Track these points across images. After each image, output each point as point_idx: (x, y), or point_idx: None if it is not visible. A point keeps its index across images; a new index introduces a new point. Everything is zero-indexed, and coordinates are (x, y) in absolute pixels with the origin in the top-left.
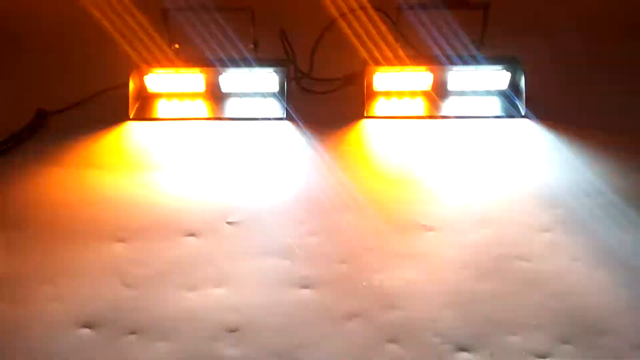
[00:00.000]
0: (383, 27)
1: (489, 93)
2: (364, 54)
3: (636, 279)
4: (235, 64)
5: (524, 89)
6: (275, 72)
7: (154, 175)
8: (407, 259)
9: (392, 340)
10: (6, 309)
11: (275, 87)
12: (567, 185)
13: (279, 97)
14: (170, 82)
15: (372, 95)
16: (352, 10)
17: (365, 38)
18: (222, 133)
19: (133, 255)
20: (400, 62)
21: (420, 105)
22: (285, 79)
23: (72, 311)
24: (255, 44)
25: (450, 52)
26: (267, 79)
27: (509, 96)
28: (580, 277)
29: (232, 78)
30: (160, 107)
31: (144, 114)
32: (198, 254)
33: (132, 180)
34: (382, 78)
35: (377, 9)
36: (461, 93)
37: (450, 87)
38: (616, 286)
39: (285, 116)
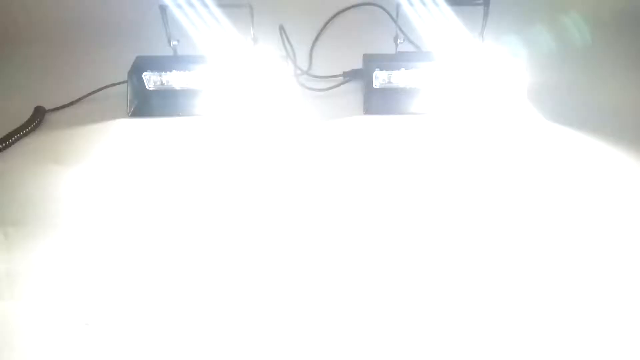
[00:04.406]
0: (383, 23)
1: (490, 90)
2: (363, 50)
3: None
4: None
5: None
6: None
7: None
8: None
9: None
10: (3, 305)
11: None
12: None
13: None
14: (169, 79)
15: (372, 91)
16: (351, 6)
17: (364, 34)
18: (223, 129)
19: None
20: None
21: (421, 102)
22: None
23: (71, 308)
24: (254, 41)
25: (450, 48)
26: (266, 75)
27: (510, 93)
28: None
29: (231, 75)
30: (159, 104)
31: (142, 111)
32: None
33: (130, 178)
34: (382, 75)
35: (377, 4)
36: (462, 89)
37: (450, 83)
38: None
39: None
